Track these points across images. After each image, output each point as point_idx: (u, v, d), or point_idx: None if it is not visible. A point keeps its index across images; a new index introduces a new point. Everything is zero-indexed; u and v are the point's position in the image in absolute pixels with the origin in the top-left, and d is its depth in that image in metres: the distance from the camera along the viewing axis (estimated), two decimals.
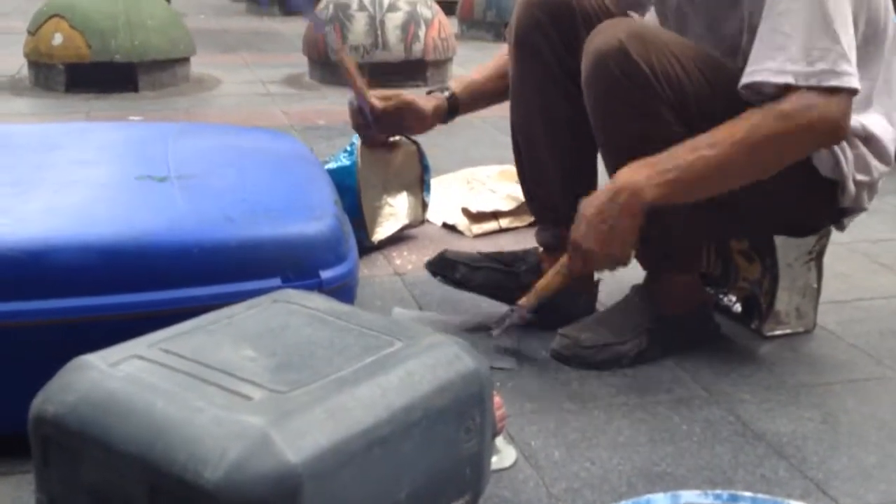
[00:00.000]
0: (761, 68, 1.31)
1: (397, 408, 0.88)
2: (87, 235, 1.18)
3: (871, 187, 1.49)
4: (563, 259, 1.43)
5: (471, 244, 2.09)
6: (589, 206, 1.35)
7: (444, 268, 1.66)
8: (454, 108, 1.77)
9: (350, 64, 1.78)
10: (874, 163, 1.46)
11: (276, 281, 1.22)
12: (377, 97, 1.77)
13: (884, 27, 1.43)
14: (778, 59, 1.30)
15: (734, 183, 1.35)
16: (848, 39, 1.30)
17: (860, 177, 1.46)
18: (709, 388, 1.44)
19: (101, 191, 1.36)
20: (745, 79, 1.33)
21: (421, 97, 1.78)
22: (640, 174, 1.32)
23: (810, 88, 1.29)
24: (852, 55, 1.30)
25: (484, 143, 3.04)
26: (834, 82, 1.29)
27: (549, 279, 1.47)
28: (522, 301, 1.49)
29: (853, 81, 1.30)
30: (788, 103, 1.30)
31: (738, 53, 1.43)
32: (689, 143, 1.32)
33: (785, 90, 1.30)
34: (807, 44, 1.28)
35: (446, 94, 1.77)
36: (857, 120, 1.41)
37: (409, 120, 1.78)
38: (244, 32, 6.05)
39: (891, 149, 1.47)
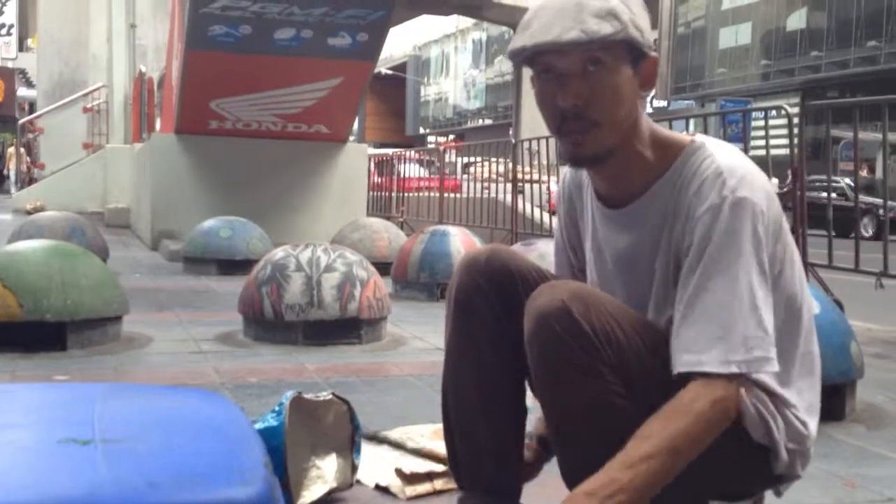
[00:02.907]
0: (705, 359, 1.36)
1: None
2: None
3: (803, 455, 1.52)
4: None
5: None
6: None
7: None
8: (544, 445, 1.72)
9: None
10: (804, 431, 1.50)
11: None
12: None
13: (800, 302, 1.51)
14: (718, 348, 1.35)
15: (675, 474, 1.36)
16: (770, 325, 1.39)
17: (791, 445, 1.48)
18: None
19: (20, 455, 1.31)
20: (689, 368, 1.37)
21: None
22: None
23: (739, 377, 1.36)
24: (773, 338, 1.39)
25: (418, 402, 3.03)
26: (768, 368, 1.37)
27: None
28: None
29: (776, 364, 1.39)
30: (711, 398, 1.34)
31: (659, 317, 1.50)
32: (623, 457, 1.32)
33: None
34: (745, 334, 1.36)
35: (534, 440, 1.73)
36: (784, 391, 1.46)
37: None
38: (179, 291, 6.10)
39: (810, 421, 1.51)
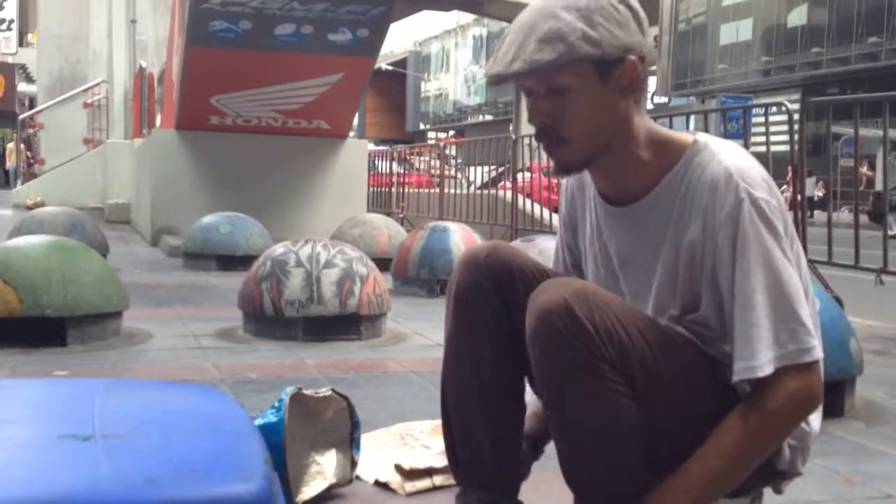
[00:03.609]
0: (752, 365, 1.40)
1: None
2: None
3: (803, 452, 1.54)
4: None
5: (403, 502, 2.03)
6: None
7: None
8: (534, 445, 1.75)
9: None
10: (807, 429, 1.51)
11: None
12: None
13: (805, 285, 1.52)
14: (761, 351, 1.39)
15: (747, 472, 1.45)
16: (806, 313, 1.42)
17: (793, 442, 1.50)
18: None
19: (20, 451, 1.31)
20: (740, 375, 1.41)
21: None
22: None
23: (788, 369, 1.39)
24: (812, 326, 1.42)
25: (419, 398, 3.03)
26: (805, 359, 1.40)
27: None
28: None
29: (818, 352, 1.42)
30: (773, 399, 1.40)
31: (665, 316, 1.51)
32: (698, 456, 1.42)
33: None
34: (776, 330, 1.39)
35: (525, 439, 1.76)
36: None
37: None
38: (179, 286, 6.10)
39: (813, 417, 1.53)
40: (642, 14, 1.47)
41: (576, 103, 1.45)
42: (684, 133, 1.55)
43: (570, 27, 1.40)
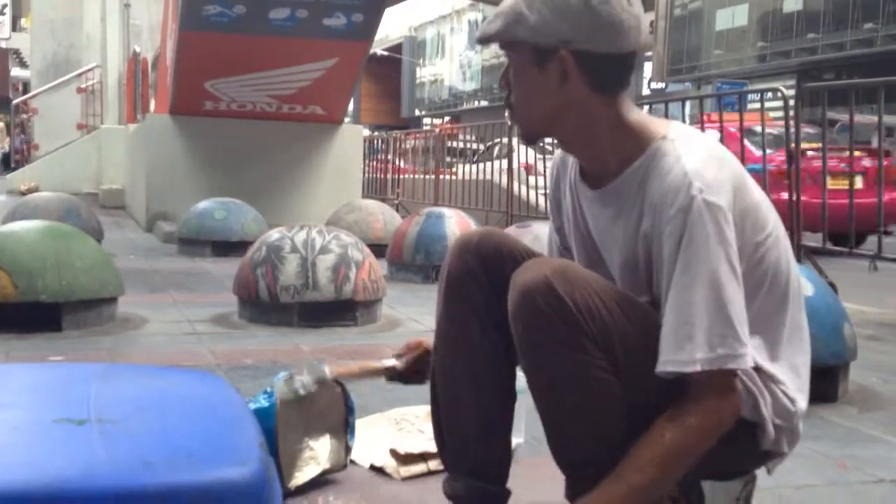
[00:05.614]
0: (674, 359, 1.39)
1: None
2: None
3: (790, 432, 1.53)
4: None
5: (399, 486, 2.04)
6: None
7: None
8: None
9: (350, 372, 1.90)
10: (792, 408, 1.51)
11: None
12: (396, 355, 1.87)
13: (786, 279, 1.52)
14: (686, 349, 1.38)
15: (670, 483, 1.45)
16: (741, 323, 1.40)
17: (778, 421, 1.50)
18: None
19: (16, 435, 1.31)
20: (661, 367, 1.40)
21: None
22: None
23: (712, 376, 1.38)
24: (746, 335, 1.40)
25: None
26: (732, 365, 1.38)
27: None
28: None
29: (748, 361, 1.40)
30: (694, 415, 1.39)
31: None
32: (616, 473, 1.40)
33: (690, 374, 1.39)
34: (709, 332, 1.38)
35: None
36: (772, 367, 1.48)
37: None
38: (174, 272, 6.10)
39: (799, 397, 1.53)
40: (608, 11, 1.42)
41: (520, 79, 1.52)
42: (661, 124, 1.53)
43: (511, 6, 1.47)
